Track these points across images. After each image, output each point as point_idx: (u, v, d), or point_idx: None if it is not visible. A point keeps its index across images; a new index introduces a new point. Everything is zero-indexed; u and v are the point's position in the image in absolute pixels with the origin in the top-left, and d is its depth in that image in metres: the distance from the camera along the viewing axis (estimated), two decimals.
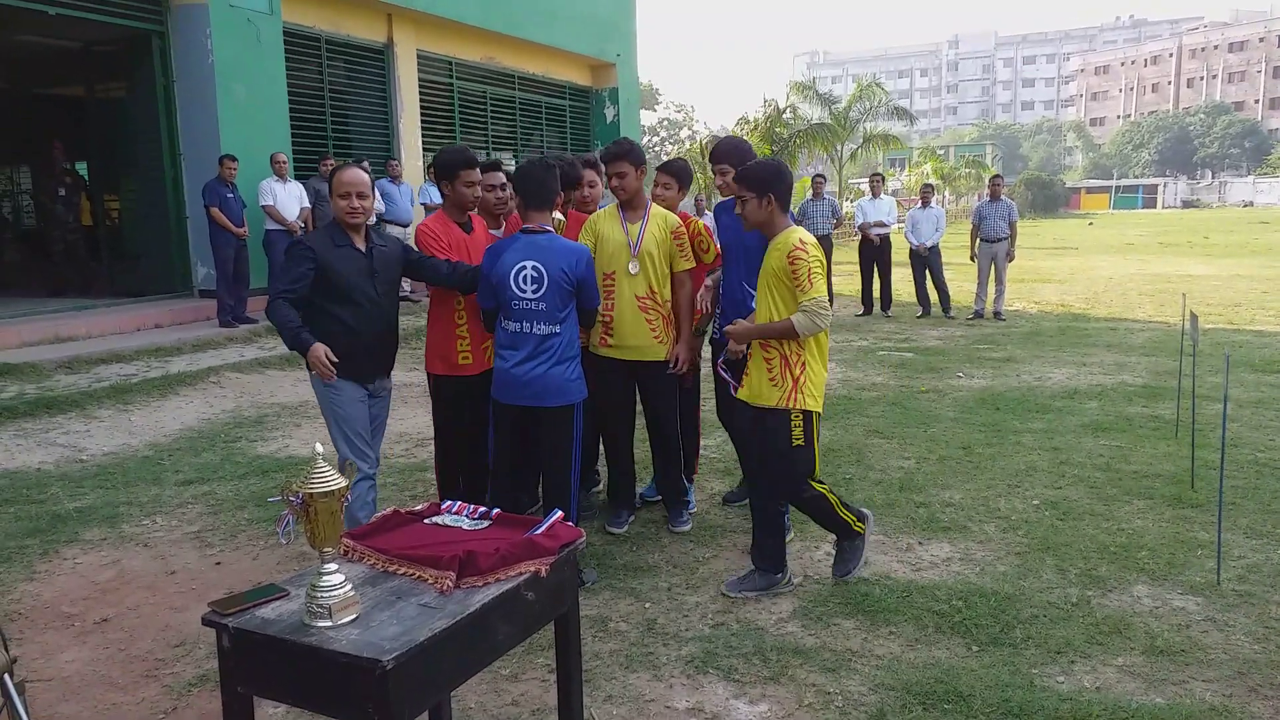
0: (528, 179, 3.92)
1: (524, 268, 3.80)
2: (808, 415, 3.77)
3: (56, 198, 11.59)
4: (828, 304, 3.67)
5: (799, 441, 3.77)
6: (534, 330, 3.83)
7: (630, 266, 4.45)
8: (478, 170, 4.23)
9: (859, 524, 4.02)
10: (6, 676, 1.55)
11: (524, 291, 3.80)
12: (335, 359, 3.65)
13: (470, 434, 4.30)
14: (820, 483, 3.95)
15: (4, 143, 14.19)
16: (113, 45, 10.80)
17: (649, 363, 4.53)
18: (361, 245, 3.83)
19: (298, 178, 10.72)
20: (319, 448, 2.02)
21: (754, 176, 3.80)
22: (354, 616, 1.89)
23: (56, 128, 12.70)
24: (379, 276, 3.87)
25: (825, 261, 3.76)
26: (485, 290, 3.92)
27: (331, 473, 1.96)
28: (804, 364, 3.74)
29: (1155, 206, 63.00)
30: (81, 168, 13.43)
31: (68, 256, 11.79)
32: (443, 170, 4.20)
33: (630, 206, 4.58)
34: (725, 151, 4.57)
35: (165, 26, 10.26)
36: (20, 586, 4.12)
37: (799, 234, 3.73)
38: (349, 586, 1.93)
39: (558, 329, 3.83)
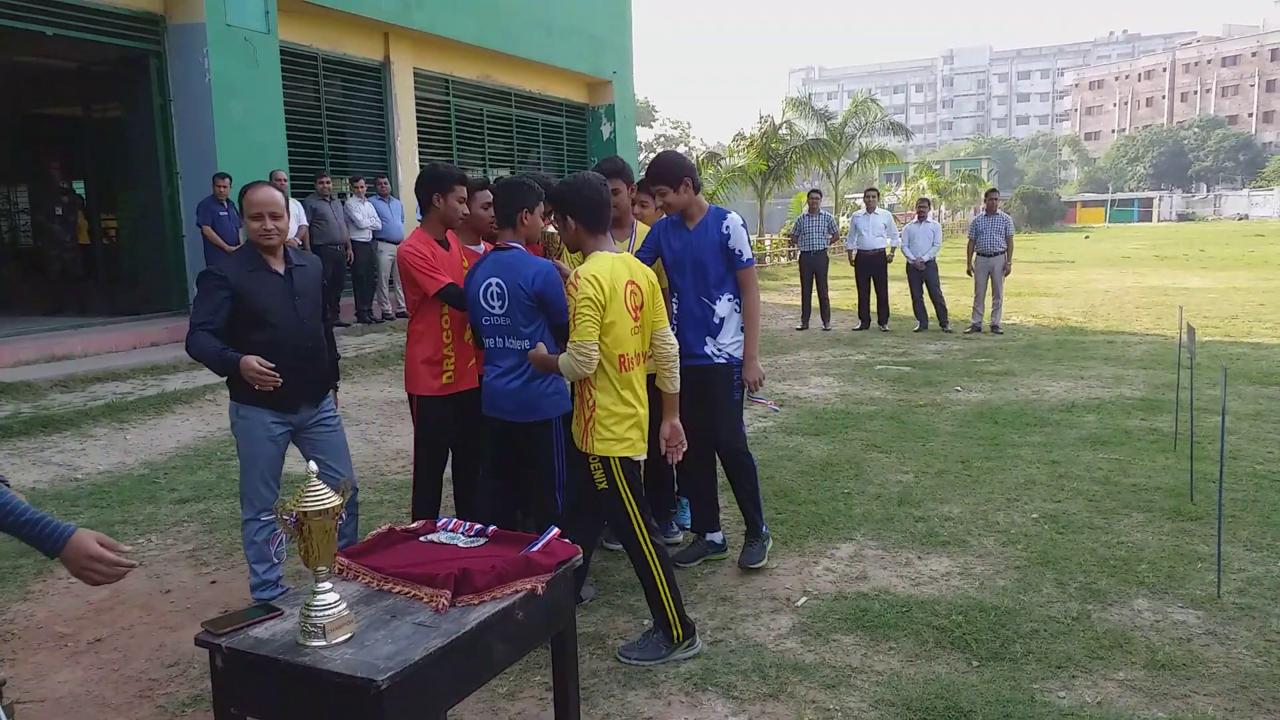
0: (499, 197, 3.98)
1: (490, 284, 3.85)
2: (605, 460, 3.49)
3: (54, 217, 11.60)
4: (589, 351, 3.36)
5: (602, 485, 3.55)
6: (506, 345, 3.87)
7: None
8: (463, 190, 4.23)
9: (678, 627, 3.52)
10: None
11: (492, 307, 3.86)
12: (270, 364, 3.37)
13: (458, 452, 4.30)
14: (651, 540, 3.54)
15: (2, 163, 14.22)
16: (110, 65, 10.84)
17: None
18: (279, 267, 3.64)
19: (294, 196, 10.75)
20: (313, 466, 2.01)
21: (556, 197, 3.69)
22: (348, 636, 1.87)
23: (54, 147, 12.75)
24: (301, 298, 3.69)
25: (602, 303, 3.36)
26: (469, 305, 3.99)
27: (325, 491, 1.94)
28: (594, 404, 3.47)
29: (1151, 220, 63.20)
30: (79, 187, 13.46)
31: (65, 275, 11.78)
32: (436, 183, 4.18)
33: (618, 225, 4.55)
34: (657, 172, 4.36)
35: (162, 46, 10.30)
36: (14, 606, 4.09)
37: (590, 265, 3.44)
38: (343, 605, 1.91)
39: (527, 344, 3.82)
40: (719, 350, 4.28)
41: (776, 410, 4.53)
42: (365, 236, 11.57)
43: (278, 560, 3.85)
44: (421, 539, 2.34)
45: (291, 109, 11.42)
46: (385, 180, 12.38)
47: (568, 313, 3.78)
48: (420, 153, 13.87)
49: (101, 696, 3.35)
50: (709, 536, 4.56)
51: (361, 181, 11.75)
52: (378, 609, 2.02)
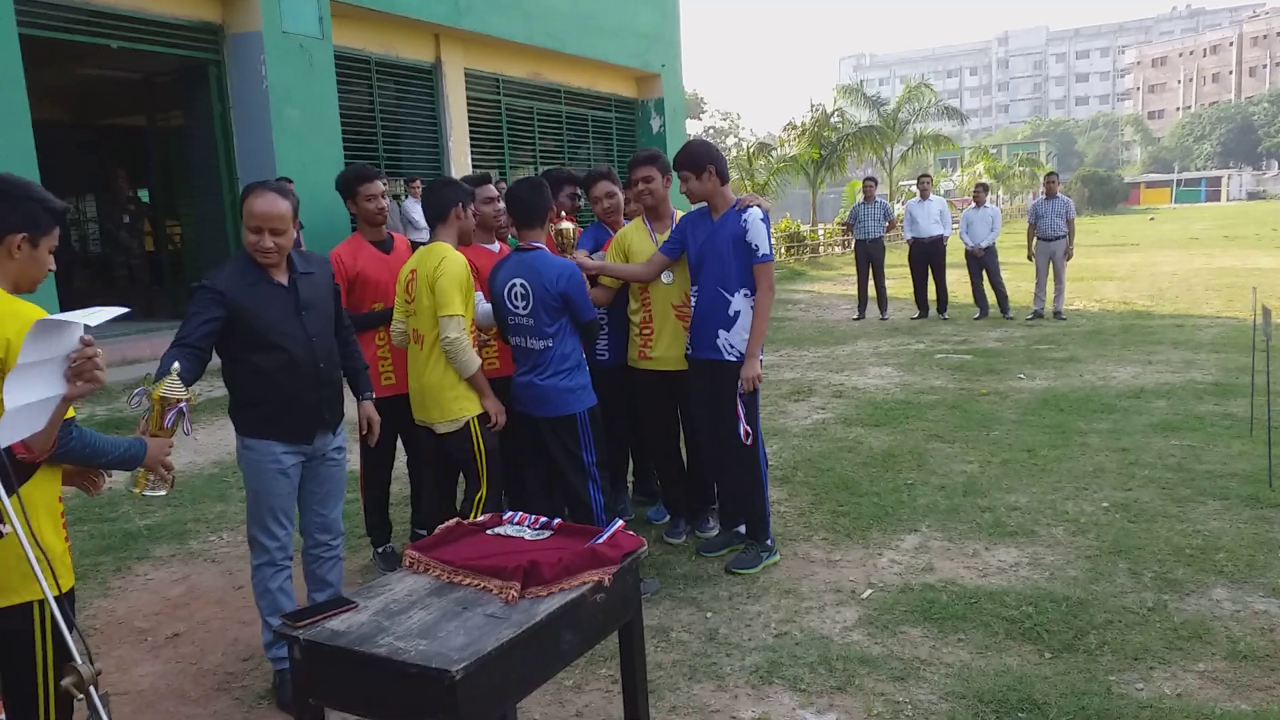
0: (514, 199, 4.01)
1: (514, 285, 3.90)
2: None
3: (121, 224, 11.97)
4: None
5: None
6: (529, 344, 3.92)
7: (664, 276, 4.44)
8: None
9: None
10: (93, 689, 1.59)
11: (516, 308, 3.91)
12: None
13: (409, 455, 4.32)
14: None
15: (71, 173, 14.68)
16: (171, 75, 11.12)
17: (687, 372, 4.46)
18: (282, 278, 3.17)
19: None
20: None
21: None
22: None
23: (120, 157, 13.12)
24: (309, 312, 3.22)
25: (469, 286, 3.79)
26: (492, 304, 4.05)
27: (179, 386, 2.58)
28: None
29: (1219, 199, 61.13)
30: (144, 195, 13.85)
31: (132, 281, 12.14)
32: (342, 190, 4.30)
33: (656, 216, 4.58)
34: (680, 158, 4.34)
35: (221, 55, 10.53)
36: (95, 602, 4.23)
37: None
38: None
39: (550, 343, 3.88)
40: (731, 347, 4.21)
41: (745, 437, 4.32)
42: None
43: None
44: (488, 532, 2.36)
45: (346, 112, 11.61)
46: (418, 183, 12.29)
47: (593, 311, 3.98)
48: (472, 152, 14.00)
49: (181, 689, 3.45)
50: (735, 529, 4.53)
51: (418, 182, 11.88)
52: (449, 600, 2.04)
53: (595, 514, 3.93)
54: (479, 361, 3.83)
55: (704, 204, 4.32)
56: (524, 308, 3.88)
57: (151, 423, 2.55)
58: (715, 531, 4.70)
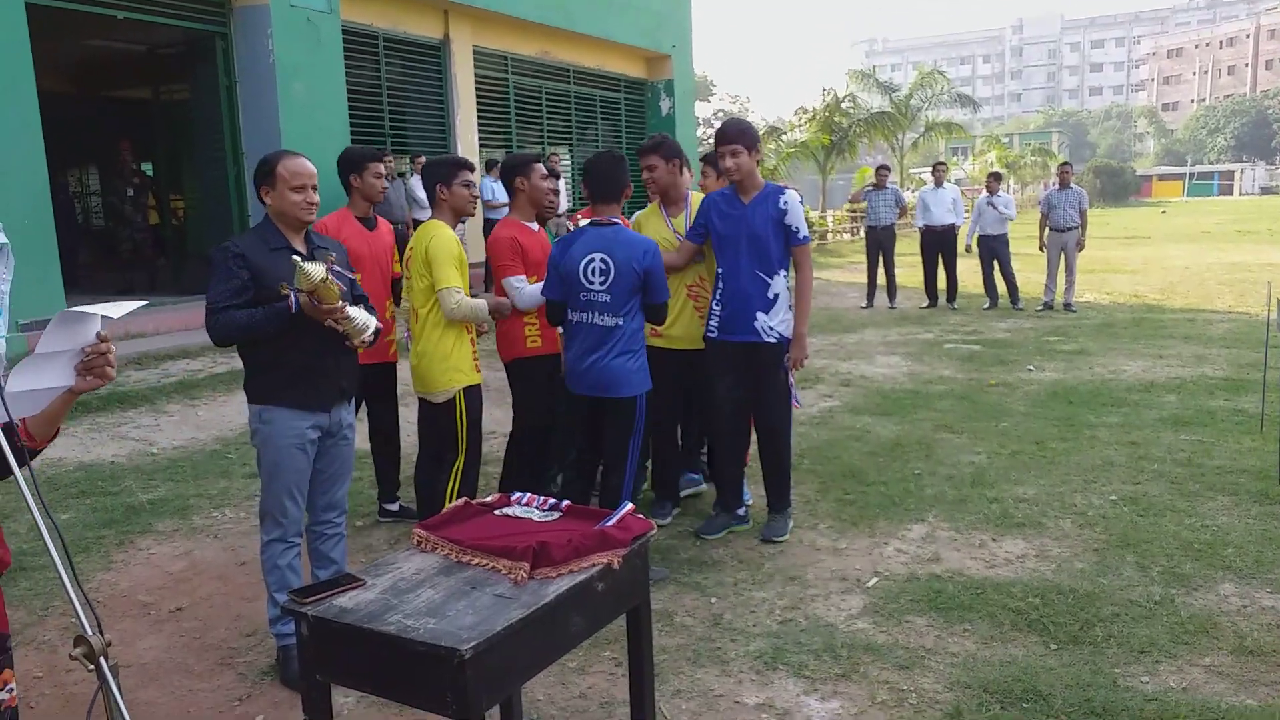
0: (594, 173, 3.97)
1: (593, 259, 3.85)
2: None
3: (125, 198, 11.90)
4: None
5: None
6: (598, 322, 3.86)
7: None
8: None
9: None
10: (103, 660, 1.57)
11: (591, 283, 3.85)
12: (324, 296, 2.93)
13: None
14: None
15: (74, 145, 14.61)
16: (177, 47, 11.06)
17: (700, 351, 4.52)
18: (302, 248, 3.17)
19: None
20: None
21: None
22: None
23: (124, 129, 13.05)
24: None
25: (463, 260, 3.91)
26: (553, 282, 3.95)
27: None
28: None
29: (1232, 194, 60.69)
30: (148, 168, 13.79)
31: (136, 255, 12.10)
32: (351, 165, 4.42)
33: (669, 201, 4.64)
34: (737, 130, 4.31)
35: (228, 28, 10.46)
36: (98, 575, 4.23)
37: None
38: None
39: (620, 321, 3.85)
40: (769, 329, 4.26)
41: (800, 406, 4.64)
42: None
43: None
44: (496, 512, 2.34)
45: (353, 88, 11.54)
46: (423, 159, 12.22)
47: (667, 292, 3.98)
48: (480, 131, 13.92)
49: (185, 664, 3.44)
50: (734, 511, 4.57)
51: (423, 159, 11.82)
52: (458, 580, 2.03)
53: (626, 492, 3.96)
54: (483, 301, 3.97)
55: (728, 186, 4.33)
56: (601, 283, 3.84)
57: (327, 301, 2.91)
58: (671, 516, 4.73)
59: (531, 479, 4.34)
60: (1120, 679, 3.08)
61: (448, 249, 3.84)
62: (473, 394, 3.96)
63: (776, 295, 4.25)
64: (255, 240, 3.13)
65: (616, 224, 3.91)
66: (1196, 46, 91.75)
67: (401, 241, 11.80)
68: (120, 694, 1.61)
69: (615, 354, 3.86)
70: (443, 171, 3.99)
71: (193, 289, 11.21)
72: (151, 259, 12.36)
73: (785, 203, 4.22)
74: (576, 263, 3.85)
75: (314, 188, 3.13)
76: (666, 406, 4.66)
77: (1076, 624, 3.47)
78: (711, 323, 4.38)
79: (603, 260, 3.82)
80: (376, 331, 3.15)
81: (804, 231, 4.24)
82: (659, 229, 4.56)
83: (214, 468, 5.87)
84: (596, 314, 3.85)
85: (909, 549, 4.26)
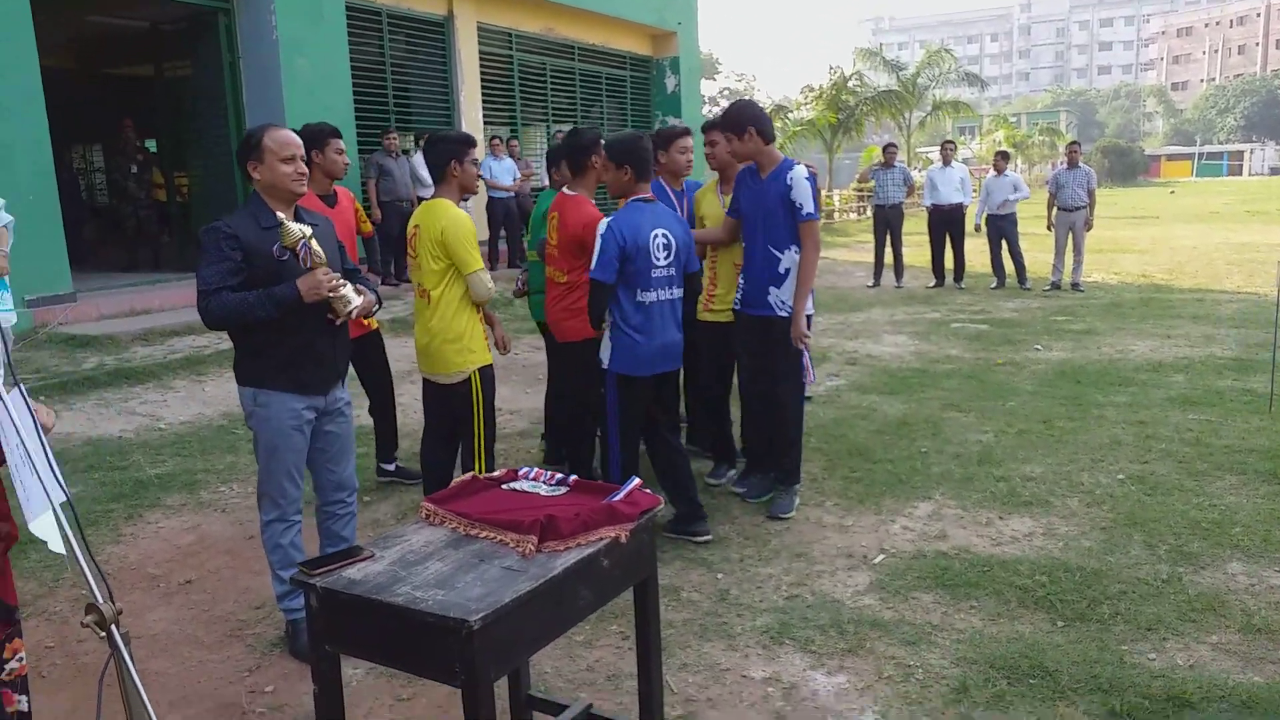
0: (639, 151, 3.99)
1: (657, 235, 3.92)
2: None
3: (129, 175, 11.86)
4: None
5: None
6: (668, 296, 3.99)
7: None
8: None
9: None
10: (114, 627, 1.58)
11: (659, 259, 3.93)
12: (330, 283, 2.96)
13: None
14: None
15: (78, 122, 14.56)
16: (179, 23, 10.98)
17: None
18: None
19: (360, 153, 10.84)
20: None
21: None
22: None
23: (127, 106, 12.99)
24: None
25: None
26: (609, 264, 3.84)
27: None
28: None
29: (1241, 174, 60.27)
30: (151, 145, 13.73)
31: (140, 232, 12.08)
32: (310, 140, 4.31)
33: (725, 179, 4.80)
34: (721, 119, 4.57)
35: (231, 4, 10.38)
36: (107, 548, 4.24)
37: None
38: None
39: (679, 293, 4.05)
40: (781, 303, 4.33)
41: (813, 381, 4.72)
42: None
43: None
44: (504, 487, 2.34)
45: (357, 65, 11.46)
46: (394, 135, 12.03)
47: (699, 262, 4.20)
48: (484, 108, 13.84)
49: (194, 635, 3.46)
50: (771, 473, 4.66)
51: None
52: (466, 553, 2.02)
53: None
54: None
55: (753, 163, 4.39)
56: (666, 258, 3.94)
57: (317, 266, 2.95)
58: (725, 479, 4.92)
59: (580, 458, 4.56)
60: (1127, 656, 3.08)
61: (467, 231, 3.78)
62: (487, 374, 3.94)
63: (787, 270, 4.29)
64: (247, 219, 3.02)
65: (657, 201, 4.02)
66: (1206, 25, 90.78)
67: (404, 220, 11.70)
68: (132, 660, 1.62)
69: (679, 325, 4.07)
70: (456, 148, 3.90)
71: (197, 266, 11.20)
72: (156, 236, 12.34)
73: (791, 178, 4.23)
74: (647, 241, 3.88)
75: (303, 159, 3.07)
76: (724, 377, 4.90)
77: (1083, 601, 3.47)
78: (738, 296, 4.51)
79: (664, 235, 3.93)
80: (363, 309, 3.10)
81: (808, 208, 4.22)
82: (714, 205, 4.72)
83: (221, 443, 5.89)
84: (665, 290, 3.96)
85: (915, 526, 4.26)
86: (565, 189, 4.43)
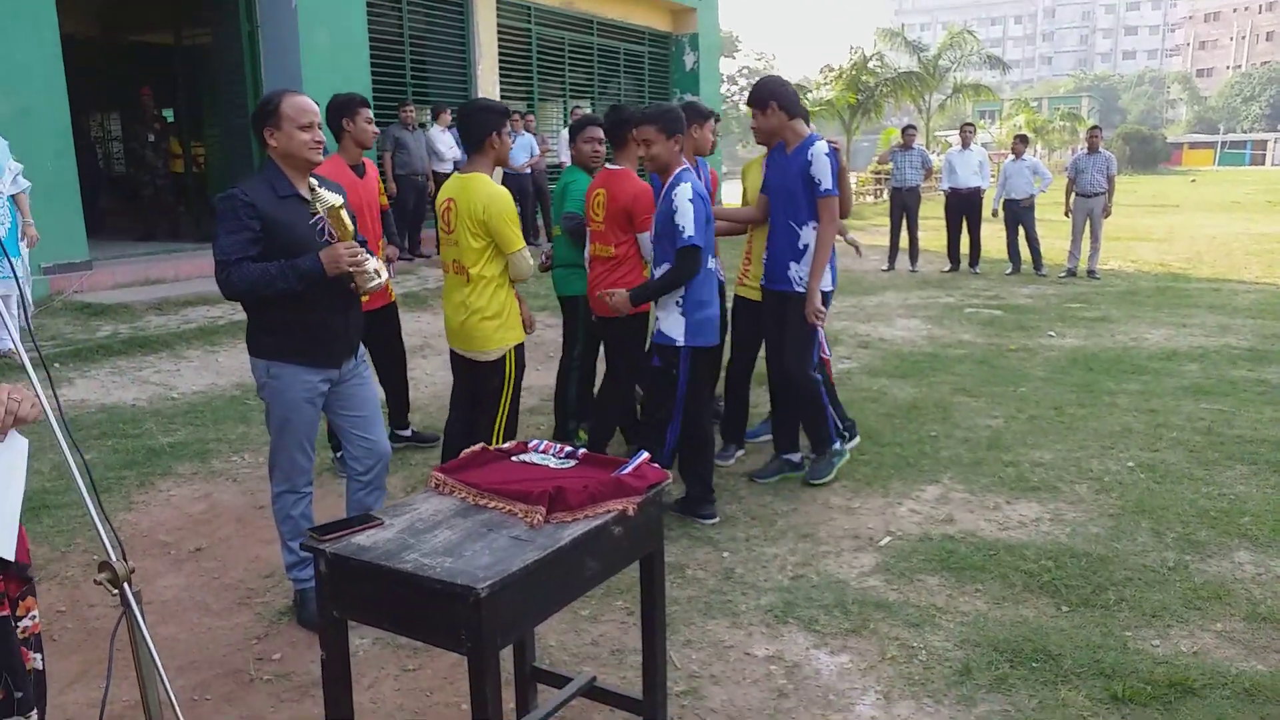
0: (682, 122, 4.05)
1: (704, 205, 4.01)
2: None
3: (146, 144, 11.88)
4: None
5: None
6: (710, 268, 4.12)
7: None
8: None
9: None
10: (126, 585, 1.60)
11: (709, 229, 4.05)
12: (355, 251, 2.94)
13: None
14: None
15: (96, 90, 14.57)
16: None
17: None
18: (308, 195, 3.01)
19: (378, 125, 10.79)
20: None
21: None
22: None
23: (145, 75, 12.99)
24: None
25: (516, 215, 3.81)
26: (704, 228, 3.96)
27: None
28: None
29: (1264, 164, 59.45)
30: (169, 114, 13.74)
31: (157, 202, 12.11)
32: (340, 110, 4.39)
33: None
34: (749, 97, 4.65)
35: None
36: (119, 515, 4.29)
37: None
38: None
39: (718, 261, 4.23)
40: (801, 279, 4.36)
41: (828, 356, 4.78)
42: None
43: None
44: (513, 459, 2.35)
45: (375, 37, 11.43)
46: (410, 109, 11.99)
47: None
48: (501, 83, 13.78)
49: (204, 602, 3.50)
50: (786, 456, 4.68)
51: (447, 112, 11.73)
52: (474, 522, 2.04)
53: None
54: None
55: (782, 140, 4.41)
56: (709, 226, 4.05)
57: (340, 235, 2.97)
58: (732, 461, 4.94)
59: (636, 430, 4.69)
60: (1131, 642, 3.09)
61: (509, 210, 3.71)
62: (520, 351, 3.95)
63: (806, 245, 4.32)
64: (263, 187, 2.96)
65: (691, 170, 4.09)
66: (1234, 11, 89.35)
67: (419, 193, 11.63)
68: (143, 617, 1.64)
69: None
70: (498, 119, 3.73)
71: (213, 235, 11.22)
72: (172, 206, 12.37)
73: (810, 154, 4.26)
74: (708, 209, 3.99)
75: (320, 126, 3.02)
76: (748, 354, 4.90)
77: (1088, 587, 3.47)
78: (764, 271, 4.55)
79: (705, 204, 3.99)
80: (381, 282, 3.09)
81: (826, 183, 4.22)
82: (758, 180, 4.72)
83: (233, 413, 5.93)
84: (712, 258, 4.07)
85: (922, 509, 4.26)
86: (608, 164, 4.50)
